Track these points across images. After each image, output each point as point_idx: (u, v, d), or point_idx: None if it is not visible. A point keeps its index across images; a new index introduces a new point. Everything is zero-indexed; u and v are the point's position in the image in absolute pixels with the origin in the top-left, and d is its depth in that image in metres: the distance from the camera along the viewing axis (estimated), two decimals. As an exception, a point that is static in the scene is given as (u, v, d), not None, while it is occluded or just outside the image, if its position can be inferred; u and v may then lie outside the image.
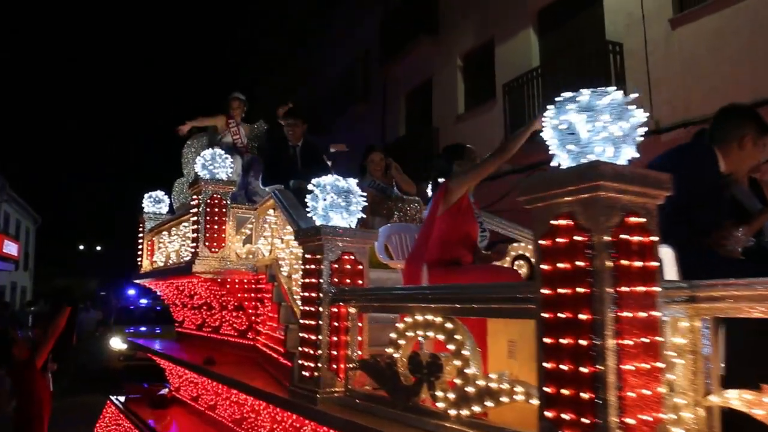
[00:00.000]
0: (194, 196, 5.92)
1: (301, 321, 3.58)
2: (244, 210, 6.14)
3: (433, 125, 15.90)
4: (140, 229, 8.44)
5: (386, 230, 5.53)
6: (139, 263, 8.40)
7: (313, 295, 3.44)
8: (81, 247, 63.91)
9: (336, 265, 3.42)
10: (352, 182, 3.56)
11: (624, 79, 10.32)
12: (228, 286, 6.04)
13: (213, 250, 5.77)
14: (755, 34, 8.73)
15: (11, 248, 28.75)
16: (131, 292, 28.76)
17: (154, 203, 8.42)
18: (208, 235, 5.75)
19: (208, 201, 5.79)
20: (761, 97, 7.46)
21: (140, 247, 8.40)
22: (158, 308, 17.98)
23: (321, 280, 3.39)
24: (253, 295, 5.86)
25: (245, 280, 5.89)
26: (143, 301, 22.42)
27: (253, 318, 5.77)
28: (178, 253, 6.87)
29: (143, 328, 16.39)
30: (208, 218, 5.75)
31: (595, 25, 11.39)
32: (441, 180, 4.02)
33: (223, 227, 5.85)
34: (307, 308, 3.51)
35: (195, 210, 5.83)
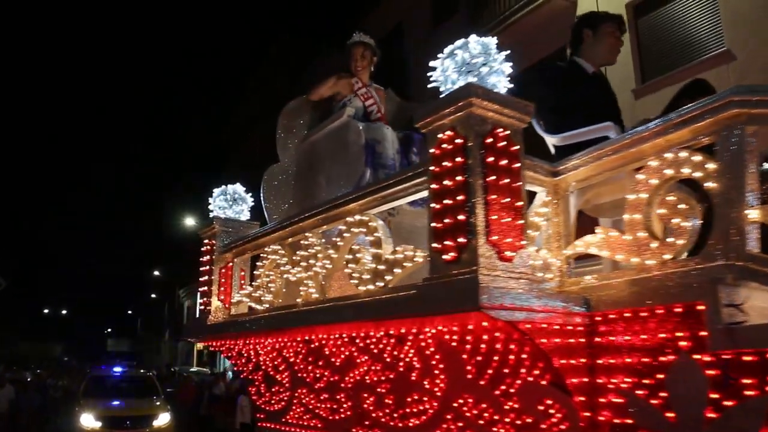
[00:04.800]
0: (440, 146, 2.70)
1: None
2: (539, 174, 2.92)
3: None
4: (207, 248, 4.96)
5: None
6: (203, 306, 4.87)
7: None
8: (45, 311, 59.27)
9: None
10: None
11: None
12: (480, 339, 2.61)
13: (506, 254, 2.44)
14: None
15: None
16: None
17: (231, 203, 4.99)
18: (494, 223, 2.45)
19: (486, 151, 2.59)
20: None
21: (205, 278, 4.90)
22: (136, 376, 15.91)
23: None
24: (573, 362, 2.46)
25: (556, 326, 2.50)
26: (117, 370, 18.53)
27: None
28: (320, 282, 3.47)
29: (116, 402, 13.60)
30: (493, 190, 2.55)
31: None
32: None
33: (520, 206, 2.56)
34: None
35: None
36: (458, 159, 2.52)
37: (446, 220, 2.52)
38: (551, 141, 3.40)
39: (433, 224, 2.58)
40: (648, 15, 10.24)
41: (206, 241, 4.99)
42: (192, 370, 29.57)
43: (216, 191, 5.06)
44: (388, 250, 3.09)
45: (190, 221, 31.38)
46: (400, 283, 3.03)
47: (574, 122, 3.32)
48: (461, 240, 2.44)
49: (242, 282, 4.82)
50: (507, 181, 2.54)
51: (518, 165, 2.60)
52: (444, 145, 2.59)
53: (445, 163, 2.58)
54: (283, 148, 5.28)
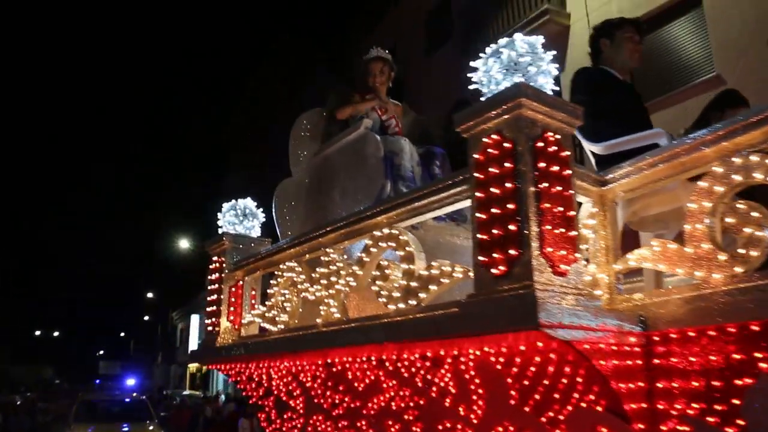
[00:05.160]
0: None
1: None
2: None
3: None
4: (215, 265, 4.73)
5: None
6: (211, 327, 4.63)
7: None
8: (37, 333, 58.55)
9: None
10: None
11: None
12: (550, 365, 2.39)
13: (560, 268, 2.23)
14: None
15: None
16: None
17: (242, 218, 4.77)
18: (548, 234, 2.25)
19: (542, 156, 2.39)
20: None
21: (213, 297, 4.66)
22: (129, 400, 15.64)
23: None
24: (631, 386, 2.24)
25: (612, 346, 2.28)
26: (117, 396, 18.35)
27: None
28: (342, 301, 3.24)
29: (108, 427, 13.45)
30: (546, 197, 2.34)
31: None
32: None
33: (572, 216, 2.36)
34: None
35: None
36: (507, 164, 2.33)
37: (494, 231, 2.31)
38: (594, 149, 3.21)
39: (479, 236, 2.38)
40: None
41: (215, 258, 4.76)
42: (185, 393, 29.02)
43: (225, 206, 4.84)
44: (421, 266, 2.88)
45: (184, 243, 31.11)
46: (435, 302, 2.82)
47: (613, 129, 3.14)
48: (512, 252, 2.23)
49: (253, 302, 4.59)
50: (559, 188, 2.35)
51: (569, 172, 2.40)
52: (490, 150, 2.40)
53: (491, 170, 2.38)
54: (295, 161, 5.09)
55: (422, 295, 2.80)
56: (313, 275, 3.64)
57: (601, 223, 2.71)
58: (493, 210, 2.34)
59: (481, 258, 2.35)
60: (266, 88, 26.52)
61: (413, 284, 2.85)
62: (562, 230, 2.30)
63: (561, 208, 2.32)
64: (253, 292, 4.62)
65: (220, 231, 4.78)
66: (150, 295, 42.40)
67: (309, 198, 4.98)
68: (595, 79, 3.49)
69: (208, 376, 31.63)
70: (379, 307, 3.62)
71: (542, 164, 2.32)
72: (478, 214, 2.40)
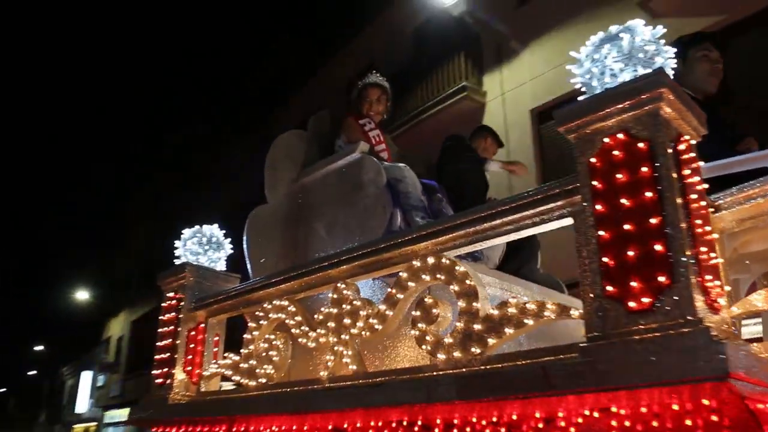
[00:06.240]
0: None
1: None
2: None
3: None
4: (170, 303, 3.89)
5: None
6: (161, 378, 3.74)
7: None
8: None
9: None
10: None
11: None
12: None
13: (717, 303, 1.71)
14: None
15: None
16: None
17: (206, 248, 4.00)
18: (701, 259, 1.74)
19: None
20: None
21: (166, 342, 3.79)
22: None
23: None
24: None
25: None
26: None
27: None
28: (356, 350, 2.59)
29: None
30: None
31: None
32: None
33: (713, 240, 1.89)
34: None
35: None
36: (644, 169, 1.82)
37: (629, 253, 1.78)
38: None
39: (604, 259, 1.83)
40: (549, 123, 10.34)
41: (170, 294, 3.92)
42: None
43: (187, 232, 4.05)
44: (486, 304, 2.28)
45: (82, 294, 28.61)
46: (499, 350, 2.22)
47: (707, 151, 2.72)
48: (662, 280, 1.70)
49: (216, 349, 3.78)
50: (703, 203, 1.87)
51: (704, 187, 1.94)
52: (614, 152, 1.90)
53: (618, 176, 1.87)
54: (272, 186, 4.40)
55: (491, 341, 2.19)
56: (317, 317, 2.94)
57: (709, 257, 2.24)
58: (625, 226, 1.81)
59: (608, 288, 1.80)
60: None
61: (477, 327, 2.24)
62: (712, 254, 1.81)
63: (707, 227, 1.84)
64: (217, 338, 3.82)
65: (178, 261, 3.97)
66: (40, 348, 38.42)
67: (287, 231, 4.29)
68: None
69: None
70: (398, 356, 2.97)
71: (686, 171, 1.84)
72: (599, 233, 1.86)
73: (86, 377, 31.25)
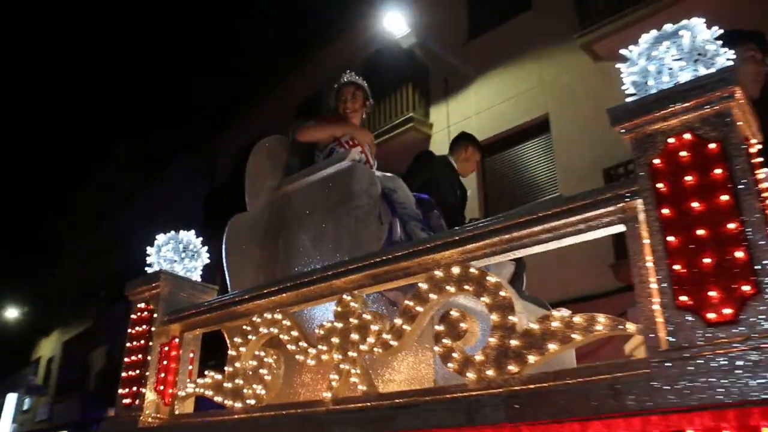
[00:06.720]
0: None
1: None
2: None
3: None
4: (141, 314, 3.54)
5: None
6: (129, 399, 3.37)
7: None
8: None
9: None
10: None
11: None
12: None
13: None
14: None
15: None
16: None
17: (182, 256, 3.68)
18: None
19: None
20: None
21: (135, 357, 3.43)
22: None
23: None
24: None
25: None
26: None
27: None
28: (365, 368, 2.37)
29: None
30: None
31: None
32: None
33: None
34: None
35: None
36: (717, 171, 1.70)
37: (705, 260, 1.64)
38: None
39: (675, 266, 1.68)
40: (493, 156, 10.66)
41: (141, 305, 3.57)
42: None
43: (162, 237, 3.72)
44: (524, 318, 2.10)
45: (12, 312, 26.99)
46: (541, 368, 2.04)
47: None
48: (746, 289, 1.56)
49: (190, 367, 3.45)
50: (774, 211, 1.75)
51: (769, 194, 1.83)
52: (681, 154, 1.77)
53: (687, 179, 1.74)
54: (253, 193, 4.12)
55: (532, 358, 2.01)
56: (318, 331, 2.69)
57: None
58: (698, 231, 1.67)
59: (680, 298, 1.65)
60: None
61: (514, 343, 2.05)
62: (786, 264, 1.69)
63: (780, 236, 1.72)
64: (192, 355, 3.49)
65: (151, 270, 3.63)
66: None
67: (267, 241, 4.01)
68: None
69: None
70: (412, 374, 2.75)
71: (761, 175, 1.72)
72: (668, 238, 1.72)
73: (10, 399, 29.33)
